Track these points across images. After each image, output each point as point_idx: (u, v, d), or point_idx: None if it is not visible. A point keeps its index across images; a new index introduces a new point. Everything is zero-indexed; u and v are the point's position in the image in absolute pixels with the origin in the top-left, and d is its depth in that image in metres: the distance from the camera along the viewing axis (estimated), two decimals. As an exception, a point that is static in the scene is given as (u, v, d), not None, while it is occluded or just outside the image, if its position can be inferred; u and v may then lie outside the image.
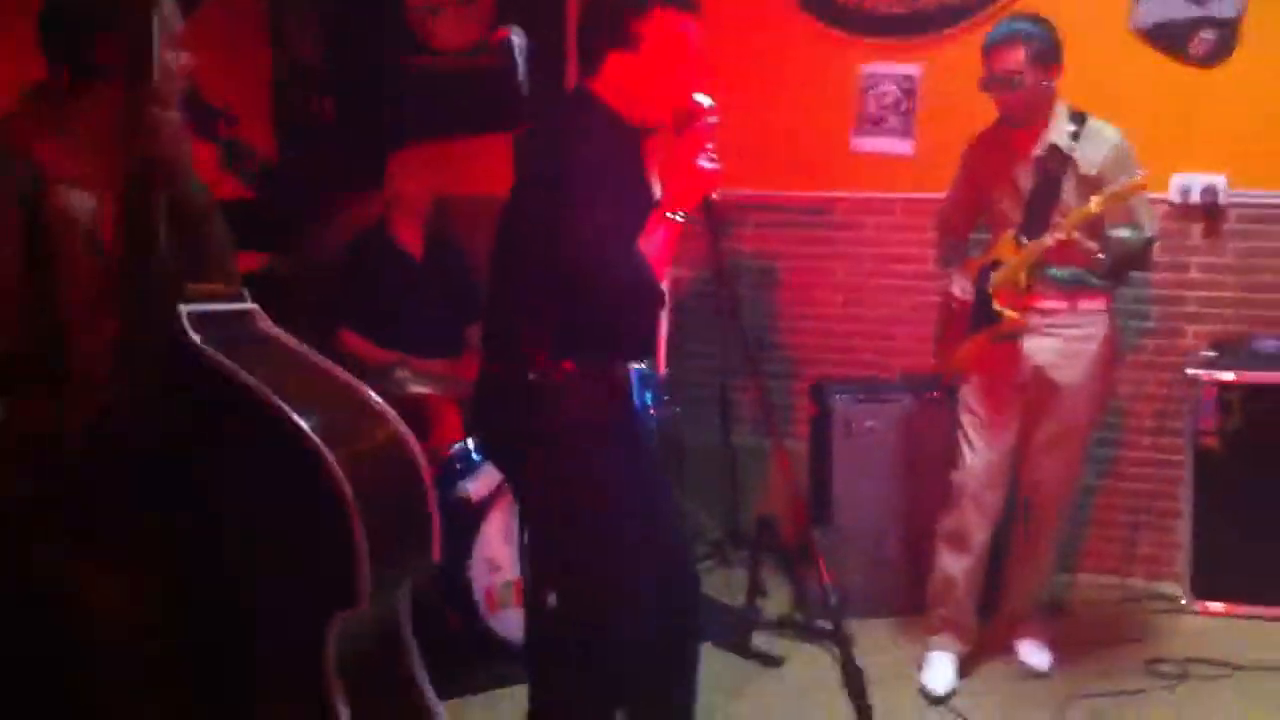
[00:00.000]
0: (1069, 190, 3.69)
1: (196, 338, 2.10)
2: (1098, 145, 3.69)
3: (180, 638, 2.10)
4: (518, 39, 2.36)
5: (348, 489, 2.00)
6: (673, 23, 2.72)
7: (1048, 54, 3.67)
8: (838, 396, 4.50)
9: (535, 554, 2.85)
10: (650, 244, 2.67)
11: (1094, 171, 3.66)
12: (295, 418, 2.04)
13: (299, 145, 5.48)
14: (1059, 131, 3.71)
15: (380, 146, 4.98)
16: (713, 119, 2.72)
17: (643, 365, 2.80)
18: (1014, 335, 3.75)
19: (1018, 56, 3.65)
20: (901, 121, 5.07)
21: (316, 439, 2.02)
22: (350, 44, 5.56)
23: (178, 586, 2.08)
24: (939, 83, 4.99)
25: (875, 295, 5.14)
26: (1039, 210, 3.71)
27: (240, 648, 2.09)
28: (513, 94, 2.36)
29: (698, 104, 2.72)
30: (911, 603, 4.19)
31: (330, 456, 2.01)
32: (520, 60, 2.35)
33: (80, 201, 2.22)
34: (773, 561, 4.58)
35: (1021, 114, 3.74)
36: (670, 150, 2.75)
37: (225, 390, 2.06)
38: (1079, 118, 3.73)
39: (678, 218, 2.69)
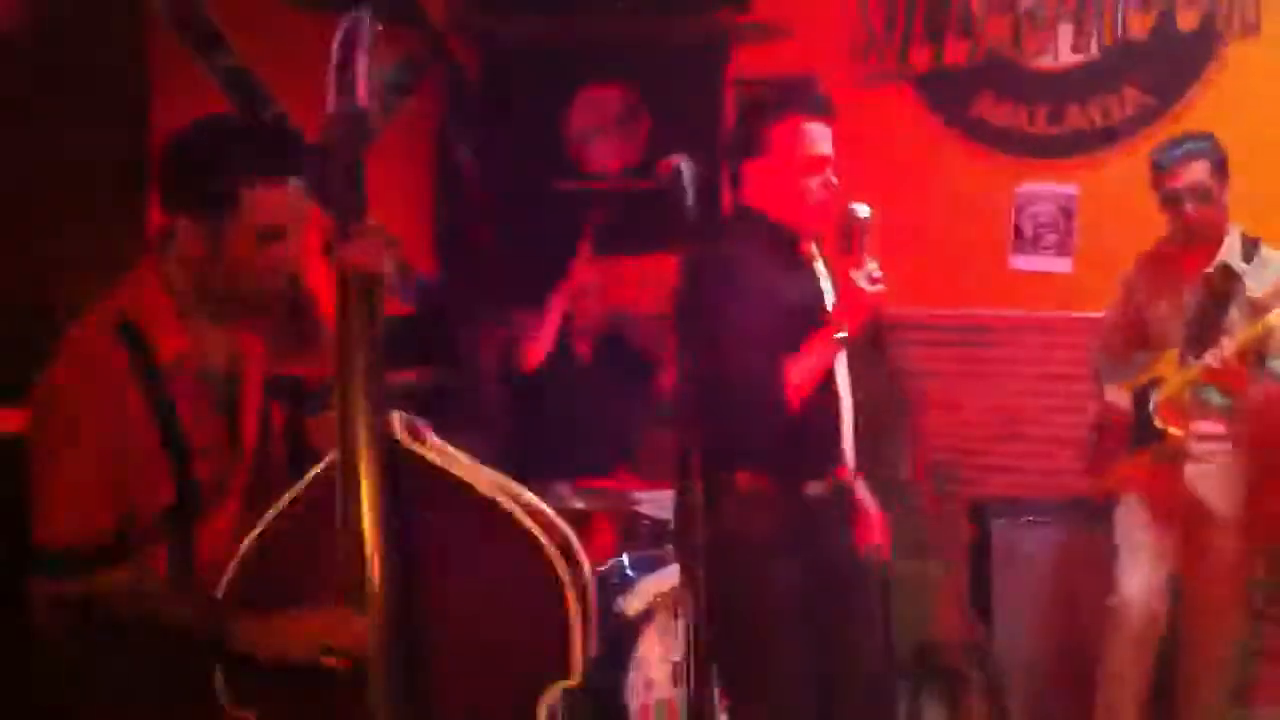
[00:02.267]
0: (1235, 312, 3.61)
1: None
2: (1270, 270, 3.62)
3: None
4: (686, 166, 2.44)
5: (563, 570, 2.06)
6: (798, 128, 2.81)
7: (1224, 167, 3.65)
8: (997, 520, 4.42)
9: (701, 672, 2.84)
10: (801, 361, 2.68)
11: (1261, 295, 3.58)
12: (505, 505, 2.08)
13: (459, 265, 5.65)
14: (1231, 251, 3.65)
15: (539, 268, 5.11)
16: (869, 230, 2.74)
17: (821, 485, 2.80)
18: (1176, 455, 3.66)
19: (1204, 168, 3.61)
20: (1059, 240, 5.03)
21: (529, 524, 2.07)
22: (509, 171, 5.75)
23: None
24: (1096, 202, 4.96)
25: (1034, 415, 5.05)
26: (1204, 330, 3.64)
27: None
28: (680, 217, 2.43)
29: (854, 213, 2.74)
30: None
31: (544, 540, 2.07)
32: (689, 186, 2.43)
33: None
34: (932, 688, 4.48)
35: (1208, 228, 3.67)
36: (835, 268, 2.78)
37: (435, 484, 2.10)
38: (1253, 242, 3.68)
39: (839, 337, 2.70)
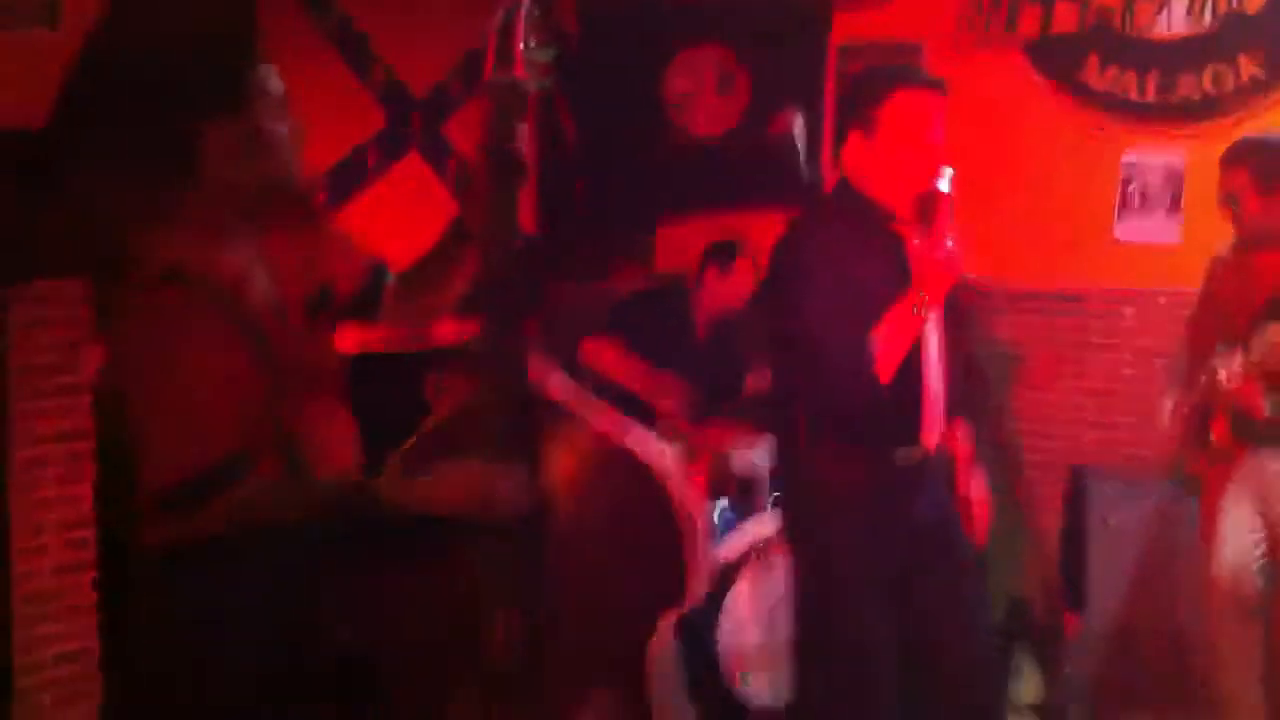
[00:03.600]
0: None
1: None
2: None
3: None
4: (799, 125, 2.44)
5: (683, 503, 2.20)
6: (908, 105, 2.76)
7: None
8: (1095, 485, 4.40)
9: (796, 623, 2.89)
10: (883, 332, 2.69)
11: None
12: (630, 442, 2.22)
13: (558, 221, 5.70)
14: None
15: (639, 226, 5.15)
16: (948, 202, 2.70)
17: (906, 454, 2.80)
18: (1262, 437, 3.61)
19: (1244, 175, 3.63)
20: (1167, 210, 4.95)
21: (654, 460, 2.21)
22: (606, 133, 5.77)
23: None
24: (1204, 174, 4.87)
25: (1130, 386, 4.99)
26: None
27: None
28: (792, 176, 2.43)
29: (936, 188, 2.72)
30: (1166, 696, 4.03)
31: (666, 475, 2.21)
32: (801, 145, 2.43)
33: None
34: (1022, 648, 4.46)
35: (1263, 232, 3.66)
36: (915, 242, 2.76)
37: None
38: None
39: (919, 311, 2.69)
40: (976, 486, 3.07)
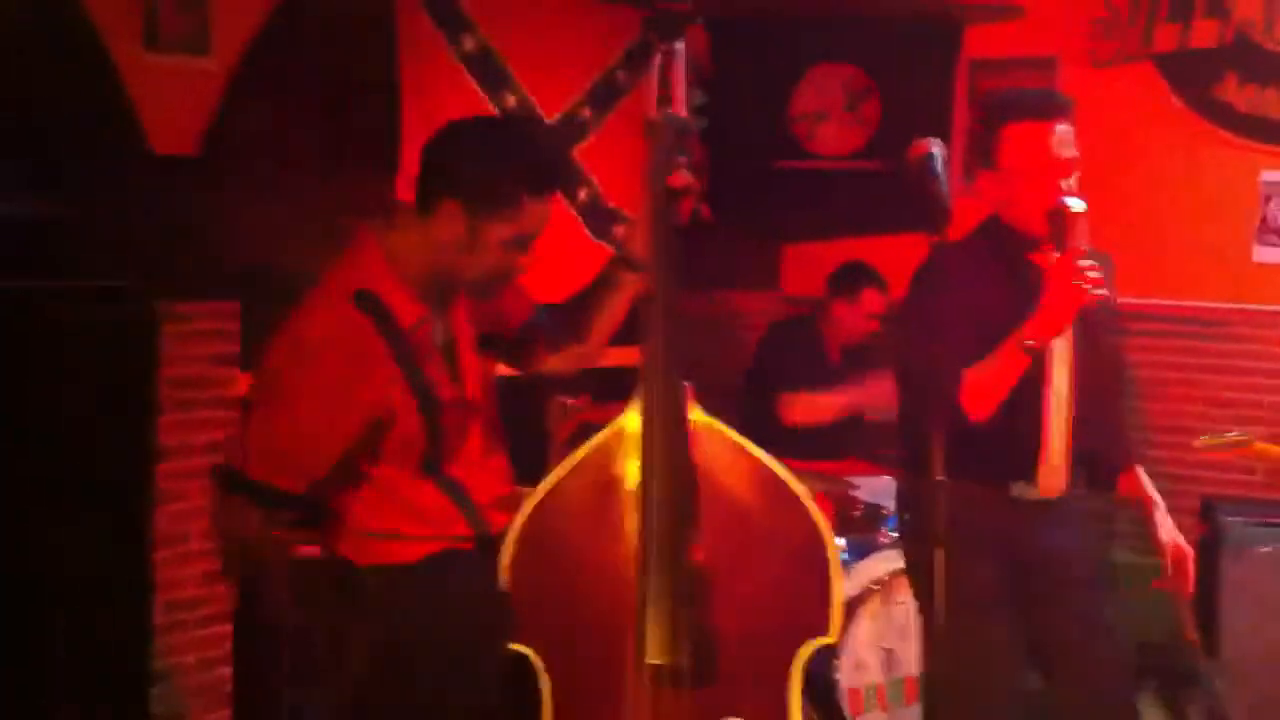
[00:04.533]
0: None
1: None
2: None
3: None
4: (938, 150, 2.43)
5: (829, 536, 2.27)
6: (1025, 134, 2.73)
7: None
8: (1230, 518, 4.26)
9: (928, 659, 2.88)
10: (983, 370, 2.66)
11: None
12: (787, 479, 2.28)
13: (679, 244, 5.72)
14: None
15: (759, 249, 5.14)
16: (1081, 222, 2.64)
17: (1024, 489, 2.77)
18: None
19: None
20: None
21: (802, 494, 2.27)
22: (732, 152, 5.78)
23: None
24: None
25: (1272, 413, 4.86)
26: None
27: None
28: (933, 202, 2.43)
29: (1066, 207, 2.66)
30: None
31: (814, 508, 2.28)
32: (940, 171, 2.42)
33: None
34: (1153, 688, 4.37)
35: None
36: (1050, 262, 2.68)
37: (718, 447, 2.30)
38: None
39: (1028, 348, 2.64)
40: (1169, 532, 2.97)
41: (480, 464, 2.45)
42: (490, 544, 2.34)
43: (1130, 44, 5.08)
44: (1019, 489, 2.81)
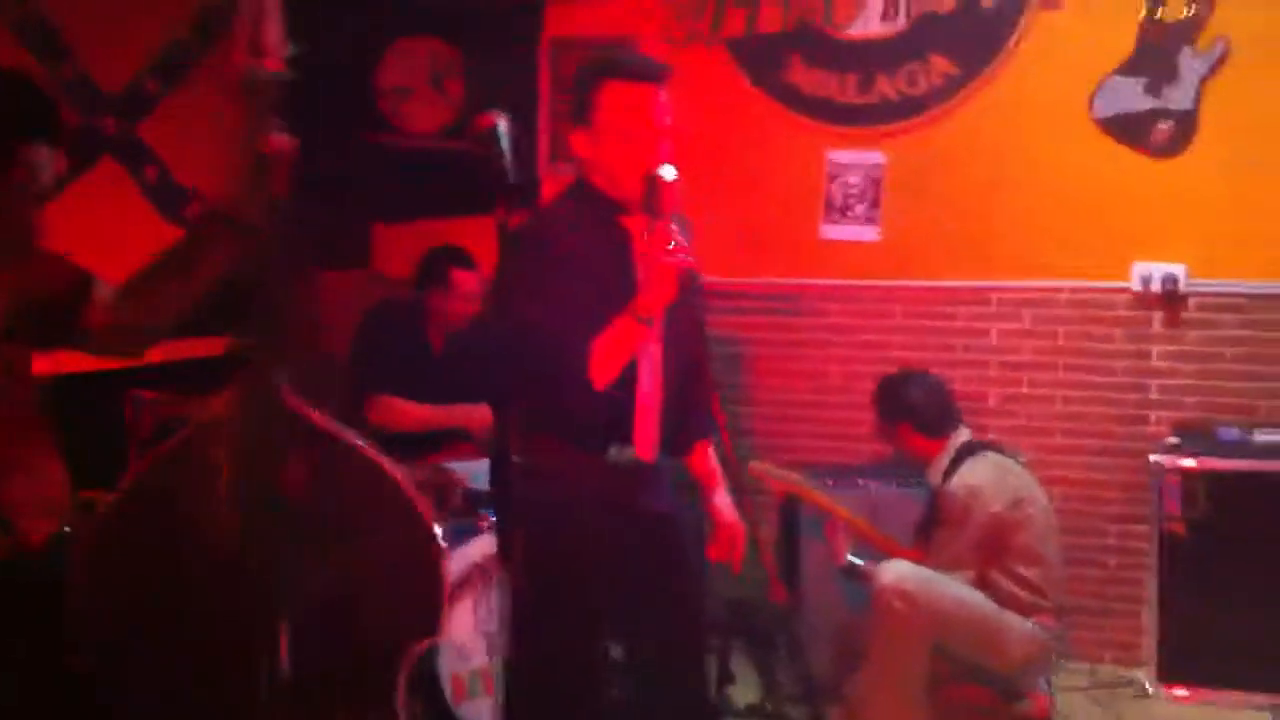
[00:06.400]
0: None
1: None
2: None
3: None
4: (503, 124, 2.36)
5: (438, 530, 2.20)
6: (624, 94, 2.73)
7: None
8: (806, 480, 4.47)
9: (512, 640, 2.82)
10: (606, 342, 2.66)
11: None
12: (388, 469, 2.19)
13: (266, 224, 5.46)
14: None
15: (350, 226, 4.97)
16: (673, 191, 2.65)
17: (619, 452, 2.79)
18: None
19: None
20: (868, 209, 5.13)
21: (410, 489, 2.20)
22: (318, 125, 5.55)
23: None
24: (904, 171, 5.07)
25: (842, 381, 5.16)
26: None
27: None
28: (498, 178, 2.36)
29: (660, 178, 2.66)
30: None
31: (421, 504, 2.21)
32: (505, 146, 2.36)
33: None
34: (742, 648, 4.55)
35: None
36: (644, 237, 2.70)
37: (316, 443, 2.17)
38: None
39: (641, 319, 2.65)
40: (726, 509, 3.05)
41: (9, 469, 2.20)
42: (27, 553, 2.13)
43: (703, 27, 5.25)
44: (615, 453, 2.80)
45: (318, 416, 2.18)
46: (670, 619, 2.93)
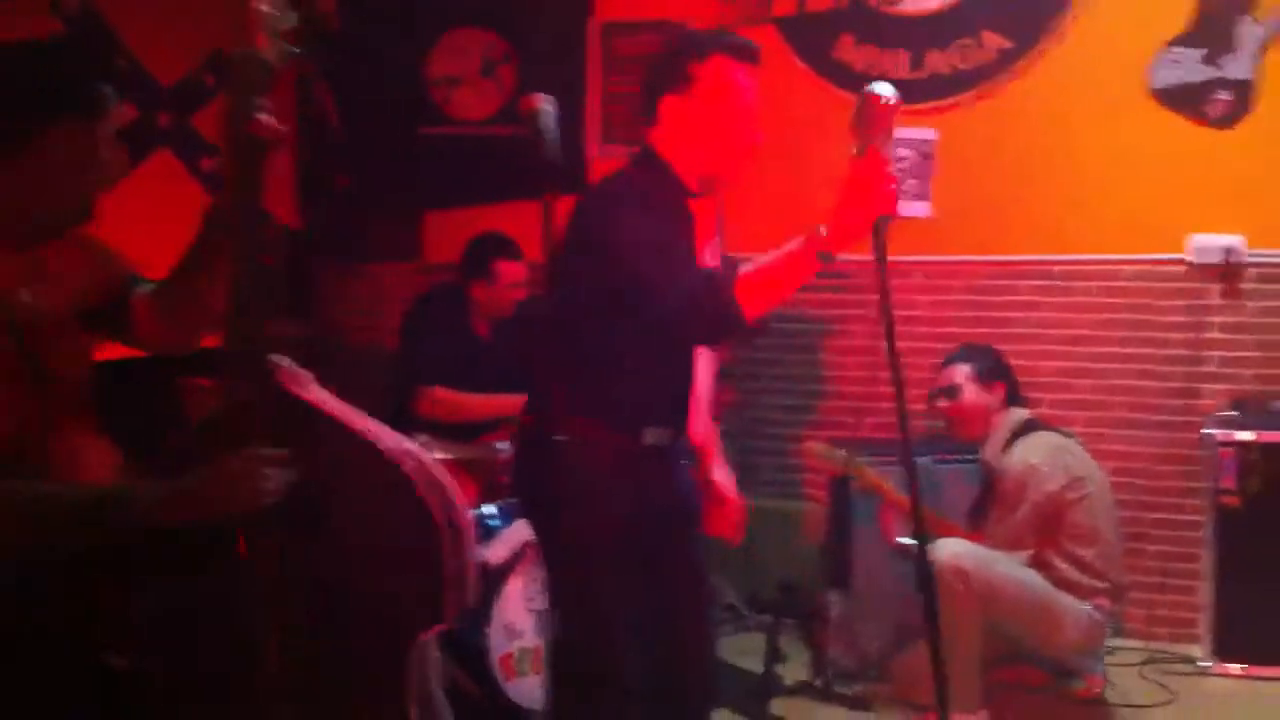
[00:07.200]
0: None
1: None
2: None
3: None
4: (548, 107, 2.37)
5: (438, 514, 2.12)
6: (728, 70, 2.70)
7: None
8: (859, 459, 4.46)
9: (554, 619, 2.85)
10: (765, 273, 2.46)
11: None
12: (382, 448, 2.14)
13: (321, 214, 5.55)
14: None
15: (403, 216, 5.04)
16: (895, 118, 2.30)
17: (669, 433, 2.80)
18: None
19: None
20: (919, 185, 5.11)
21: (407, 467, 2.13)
22: (369, 117, 5.63)
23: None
24: (956, 146, 5.04)
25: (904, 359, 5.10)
26: None
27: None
28: (544, 162, 2.36)
29: (875, 94, 2.27)
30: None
31: (419, 485, 2.13)
32: (552, 128, 2.37)
33: None
34: (792, 626, 4.57)
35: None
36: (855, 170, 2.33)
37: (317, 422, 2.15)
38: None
39: (822, 254, 2.36)
40: (725, 483, 3.03)
41: (71, 455, 2.23)
42: None
43: (753, 8, 5.24)
44: (652, 435, 2.78)
45: (313, 397, 2.15)
46: (690, 594, 2.93)
